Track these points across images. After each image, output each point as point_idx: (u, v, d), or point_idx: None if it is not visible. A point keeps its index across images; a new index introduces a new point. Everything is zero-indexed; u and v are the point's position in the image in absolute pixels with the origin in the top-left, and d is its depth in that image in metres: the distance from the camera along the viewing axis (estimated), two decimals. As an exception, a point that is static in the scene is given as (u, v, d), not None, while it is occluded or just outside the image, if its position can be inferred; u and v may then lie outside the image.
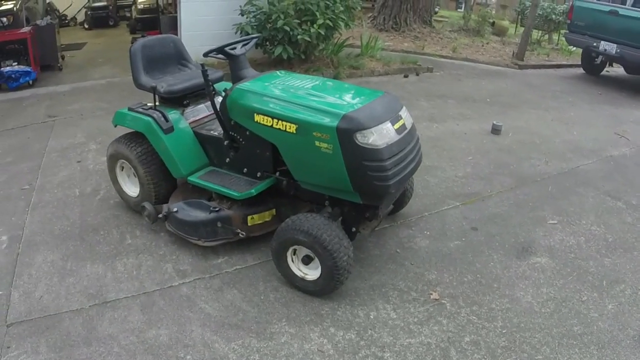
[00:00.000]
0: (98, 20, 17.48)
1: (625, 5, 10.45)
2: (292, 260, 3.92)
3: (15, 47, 9.59)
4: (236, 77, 4.28)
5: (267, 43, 9.41)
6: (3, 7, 10.09)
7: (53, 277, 4.10)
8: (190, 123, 4.62)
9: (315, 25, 9.06)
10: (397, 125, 3.74)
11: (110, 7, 18.09)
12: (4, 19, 9.73)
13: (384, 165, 3.52)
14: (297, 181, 4.01)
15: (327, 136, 3.54)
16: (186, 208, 4.38)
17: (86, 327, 3.58)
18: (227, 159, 4.38)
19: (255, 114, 3.88)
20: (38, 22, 10.55)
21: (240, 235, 4.24)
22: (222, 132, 4.32)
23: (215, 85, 4.51)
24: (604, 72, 12.45)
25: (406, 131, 3.84)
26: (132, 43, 5.06)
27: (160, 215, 4.45)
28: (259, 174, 4.22)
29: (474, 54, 13.40)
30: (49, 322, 3.63)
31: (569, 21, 11.76)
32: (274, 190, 4.29)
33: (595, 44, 10.78)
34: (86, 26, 17.51)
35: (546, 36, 16.09)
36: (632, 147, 7.39)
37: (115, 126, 4.78)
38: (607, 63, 12.24)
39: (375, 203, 3.88)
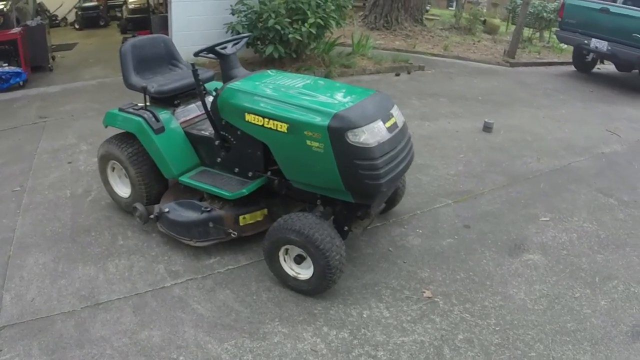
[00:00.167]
0: (89, 20, 17.38)
1: (616, 2, 10.47)
2: (285, 260, 3.91)
3: (6, 48, 9.52)
4: (227, 77, 4.27)
5: (258, 42, 9.39)
6: (-7, 8, 10.04)
7: (45, 279, 4.08)
8: (181, 123, 4.61)
9: (306, 24, 9.05)
10: (388, 124, 3.73)
11: (101, 7, 17.99)
12: (-6, 20, 9.69)
13: (375, 163, 3.52)
14: (288, 180, 4.01)
15: (318, 135, 3.53)
16: (178, 208, 4.36)
17: (78, 329, 3.56)
18: (219, 159, 4.36)
19: (246, 114, 3.87)
20: (28, 22, 10.47)
21: (232, 235, 4.23)
22: (213, 132, 4.30)
23: (206, 85, 4.49)
24: (595, 70, 12.49)
25: (397, 129, 3.84)
26: (122, 43, 5.02)
27: (151, 216, 4.43)
28: (250, 174, 4.21)
29: (466, 52, 13.41)
30: (41, 324, 3.61)
31: (560, 19, 11.77)
32: (266, 189, 4.28)
33: (586, 42, 10.80)
34: (77, 26, 17.41)
35: (537, 34, 16.13)
36: (624, 144, 7.41)
37: (106, 127, 4.76)
38: (598, 60, 12.28)
39: (367, 202, 3.88)
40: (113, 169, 4.88)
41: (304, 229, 3.60)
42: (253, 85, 4.06)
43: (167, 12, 10.73)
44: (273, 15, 8.83)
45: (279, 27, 8.85)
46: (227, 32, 9.11)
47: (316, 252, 3.58)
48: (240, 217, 4.23)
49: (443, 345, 3.48)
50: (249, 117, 3.86)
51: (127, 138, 4.61)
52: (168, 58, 5.08)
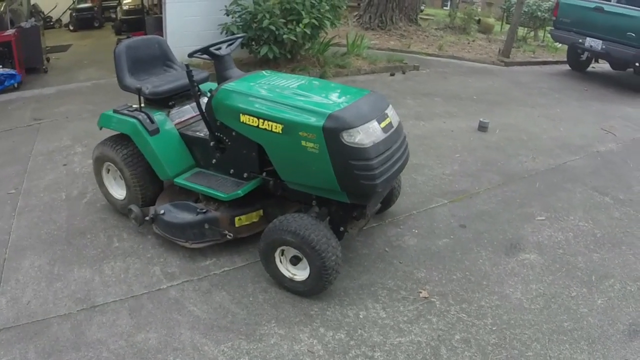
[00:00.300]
0: (83, 21, 17.38)
1: (610, 1, 10.49)
2: (281, 261, 3.90)
3: (0, 49, 9.51)
4: (221, 78, 4.26)
5: (253, 43, 9.38)
6: (-14, 10, 10.02)
7: (40, 282, 4.06)
8: (176, 124, 4.60)
9: (301, 25, 9.04)
10: (383, 124, 3.73)
11: (96, 9, 17.98)
12: (-12, 22, 9.67)
13: (370, 164, 3.52)
14: (284, 181, 4.00)
15: (313, 136, 3.53)
16: (173, 210, 4.35)
17: (75, 332, 3.55)
18: (214, 160, 4.35)
19: (241, 115, 3.87)
20: (23, 24, 10.45)
21: (227, 236, 4.22)
22: (208, 133, 4.29)
23: (200, 86, 4.49)
24: (589, 69, 12.49)
25: (393, 129, 3.84)
26: (117, 44, 5.01)
27: (147, 218, 4.42)
28: (245, 175, 4.20)
29: (460, 51, 13.41)
30: (37, 327, 3.59)
31: (554, 18, 11.78)
32: (261, 190, 4.27)
33: (581, 41, 10.81)
34: (71, 28, 17.40)
35: (532, 33, 16.16)
36: (619, 142, 7.42)
37: (101, 128, 4.75)
38: (593, 59, 12.28)
39: (362, 202, 3.87)
40: (108, 170, 4.86)
41: (300, 229, 3.59)
42: (248, 86, 4.05)
43: (161, 13, 10.71)
44: (267, 16, 8.82)
45: (273, 28, 8.85)
46: (221, 33, 9.09)
47: (312, 253, 3.57)
48: (236, 219, 4.22)
49: (440, 346, 3.48)
50: (243, 118, 3.86)
51: (122, 140, 4.59)
52: (162, 59, 5.07)
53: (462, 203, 5.38)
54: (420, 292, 4.00)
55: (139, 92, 4.43)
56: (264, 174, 4.15)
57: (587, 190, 5.81)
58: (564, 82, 11.18)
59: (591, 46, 10.61)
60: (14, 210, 5.10)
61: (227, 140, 4.17)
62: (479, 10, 19.94)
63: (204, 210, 4.23)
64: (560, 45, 13.55)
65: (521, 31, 15.38)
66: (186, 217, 4.26)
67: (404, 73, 10.94)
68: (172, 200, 4.50)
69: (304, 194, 4.03)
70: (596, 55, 11.55)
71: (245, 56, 9.97)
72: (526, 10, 14.76)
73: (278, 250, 3.84)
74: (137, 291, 3.96)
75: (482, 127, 7.52)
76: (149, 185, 4.62)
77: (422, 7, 19.07)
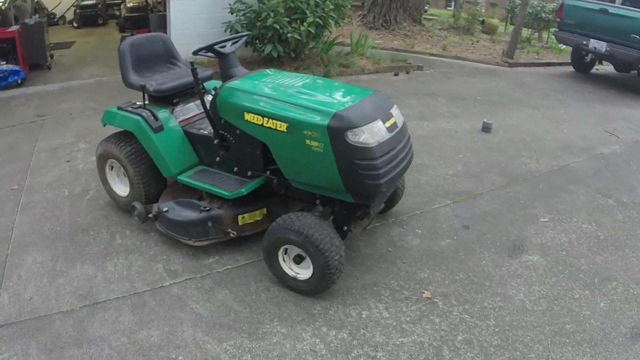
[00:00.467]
0: (87, 18, 17.34)
1: (614, 3, 10.47)
2: (284, 260, 3.90)
3: (4, 46, 9.50)
4: (226, 76, 4.26)
5: (257, 41, 9.39)
6: (-9, 6, 10.02)
7: (43, 278, 4.06)
8: (180, 122, 4.60)
9: (305, 24, 9.05)
10: (388, 124, 3.72)
11: (100, 6, 17.93)
12: (-8, 18, 9.66)
13: (375, 163, 3.51)
14: (288, 180, 4.00)
15: (317, 135, 3.53)
16: (176, 208, 4.35)
17: (77, 328, 3.55)
18: (218, 158, 4.35)
19: (245, 113, 3.86)
20: (26, 20, 10.45)
21: (231, 234, 4.22)
22: (212, 131, 4.29)
23: (204, 84, 4.48)
24: (593, 70, 12.49)
25: (397, 129, 3.83)
26: (121, 42, 5.01)
27: (150, 215, 4.42)
28: (249, 173, 4.19)
29: (464, 52, 13.40)
30: (39, 323, 3.60)
31: (558, 19, 11.77)
32: (265, 189, 4.27)
33: (585, 42, 10.80)
34: (75, 25, 17.37)
35: (536, 34, 16.12)
36: (622, 144, 7.41)
37: (105, 125, 4.75)
38: (597, 61, 12.27)
39: (366, 202, 3.87)
40: (111, 167, 4.86)
41: (304, 228, 3.59)
42: (252, 84, 4.04)
43: (165, 10, 10.72)
44: (272, 15, 8.83)
45: (277, 26, 8.85)
46: (225, 31, 9.11)
47: (315, 252, 3.57)
48: (239, 217, 4.22)
49: (442, 346, 3.48)
50: (248, 117, 3.85)
51: (125, 137, 4.59)
52: (167, 57, 5.07)
53: (466, 204, 5.37)
54: (423, 293, 3.99)
55: (143, 89, 4.43)
56: (268, 172, 4.15)
57: (590, 192, 5.80)
58: (568, 84, 11.17)
59: (595, 48, 10.60)
60: (16, 207, 5.10)
61: (231, 139, 4.17)
62: (483, 10, 19.91)
63: (207, 208, 4.23)
64: (564, 46, 13.51)
65: (525, 32, 15.36)
66: (189, 214, 4.26)
67: (407, 73, 10.94)
68: (176, 198, 4.50)
69: (308, 193, 4.03)
70: (600, 57, 11.56)
71: (249, 54, 9.96)
72: (530, 11, 14.73)
73: (281, 249, 3.83)
74: (140, 288, 3.96)
75: (486, 128, 7.51)
76: (153, 182, 4.62)
77: (426, 7, 19.04)
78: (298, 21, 9.14)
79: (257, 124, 3.82)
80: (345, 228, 4.03)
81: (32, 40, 10.20)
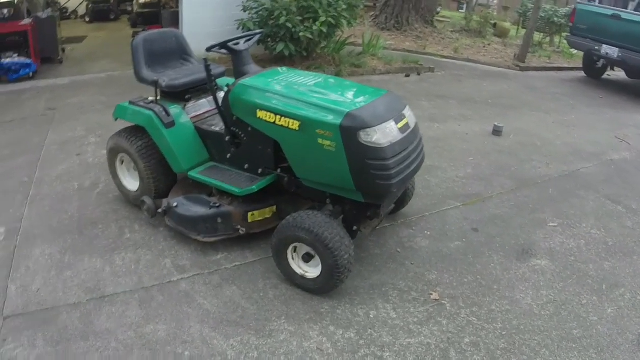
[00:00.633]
0: (99, 13, 17.41)
1: (627, 9, 10.43)
2: (293, 258, 3.89)
3: (16, 39, 9.55)
4: (239, 73, 4.26)
5: (269, 40, 9.40)
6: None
7: (51, 270, 4.07)
8: (191, 118, 4.60)
9: (317, 23, 9.05)
10: (400, 124, 3.72)
11: (112, 1, 17.98)
12: (5, 11, 9.68)
13: (387, 164, 3.51)
14: (298, 178, 3.99)
15: (330, 134, 3.52)
16: (186, 203, 4.35)
17: (83, 321, 3.56)
18: (229, 155, 4.35)
19: (257, 110, 3.87)
20: (39, 14, 10.50)
21: (240, 231, 4.22)
22: (223, 127, 4.29)
23: (217, 81, 4.49)
24: (605, 76, 12.45)
25: (409, 130, 3.82)
26: (133, 37, 5.02)
27: (159, 210, 4.42)
28: (260, 171, 4.20)
29: (476, 54, 13.39)
30: (46, 315, 3.61)
31: (571, 24, 11.75)
32: (275, 187, 4.28)
33: (597, 48, 10.77)
34: (87, 19, 17.43)
35: (548, 39, 16.10)
36: (633, 151, 7.38)
37: (116, 120, 4.76)
38: (609, 67, 12.23)
39: (377, 202, 3.86)
40: (122, 162, 4.88)
41: (314, 227, 3.58)
42: (265, 82, 4.05)
43: (177, 7, 10.74)
44: (284, 13, 8.84)
45: (290, 25, 8.87)
46: (238, 29, 9.11)
47: (325, 251, 3.57)
48: (249, 214, 4.22)
49: (449, 348, 3.47)
50: (260, 114, 3.86)
51: (136, 131, 4.60)
52: (179, 53, 5.07)
53: (475, 207, 5.36)
54: (431, 294, 3.98)
55: (155, 84, 4.44)
56: (279, 170, 4.15)
57: (599, 198, 5.77)
58: (579, 89, 11.14)
59: (607, 53, 10.57)
60: (26, 199, 5.11)
61: (242, 136, 4.17)
62: (495, 14, 19.89)
63: (217, 205, 4.23)
64: (576, 51, 13.49)
65: (537, 36, 15.33)
66: (199, 210, 4.26)
67: (419, 74, 10.93)
68: (186, 194, 4.51)
69: (319, 191, 4.02)
70: (612, 63, 11.51)
71: (261, 53, 9.96)
72: (543, 15, 14.71)
73: (291, 247, 3.83)
74: (148, 283, 3.97)
75: (497, 132, 7.50)
76: (163, 177, 4.62)
77: (438, 10, 19.03)
78: (310, 20, 9.15)
79: (269, 121, 3.82)
80: (355, 228, 4.02)
81: (44, 34, 10.26)
